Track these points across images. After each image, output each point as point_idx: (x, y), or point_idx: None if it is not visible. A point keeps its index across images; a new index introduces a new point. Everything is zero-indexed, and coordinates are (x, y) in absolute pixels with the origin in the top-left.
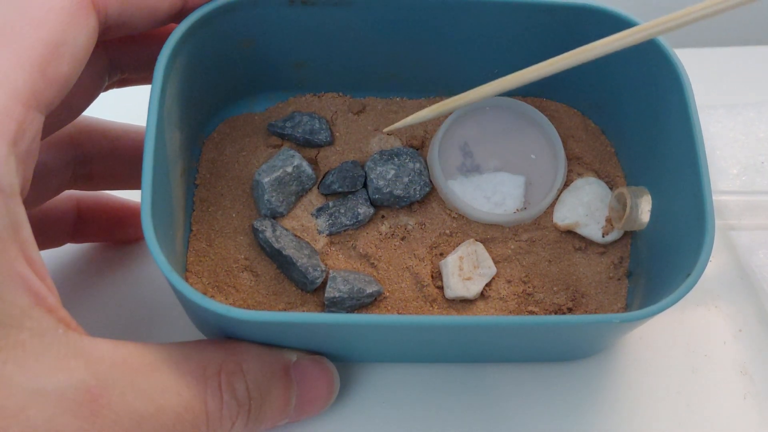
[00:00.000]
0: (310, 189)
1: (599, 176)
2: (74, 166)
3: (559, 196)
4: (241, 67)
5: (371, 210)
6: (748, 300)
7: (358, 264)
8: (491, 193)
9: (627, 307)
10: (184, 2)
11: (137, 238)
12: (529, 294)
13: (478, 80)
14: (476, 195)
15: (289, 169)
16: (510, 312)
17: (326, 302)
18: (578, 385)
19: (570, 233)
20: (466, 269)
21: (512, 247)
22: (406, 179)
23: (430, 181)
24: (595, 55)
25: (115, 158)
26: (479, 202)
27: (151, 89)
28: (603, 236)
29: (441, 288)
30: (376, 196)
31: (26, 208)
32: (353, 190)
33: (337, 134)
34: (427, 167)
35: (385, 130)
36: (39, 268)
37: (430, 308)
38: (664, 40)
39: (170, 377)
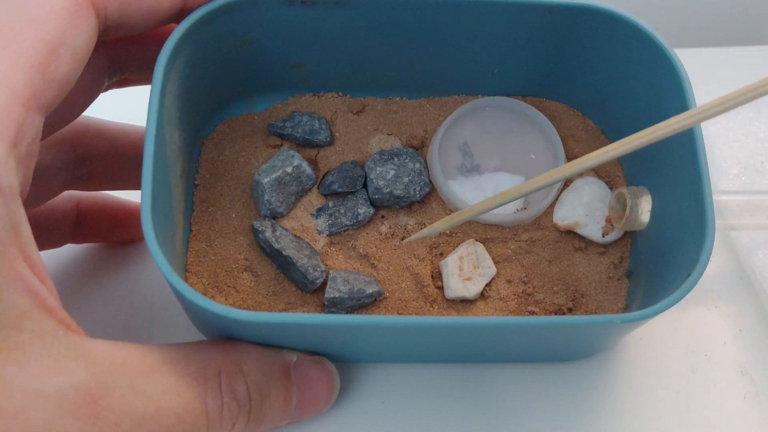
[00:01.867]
0: (309, 189)
1: (599, 176)
2: (74, 166)
3: (559, 196)
4: (241, 67)
5: (371, 210)
6: (748, 300)
7: (358, 264)
8: (491, 193)
9: (627, 307)
10: (183, 2)
11: (137, 239)
12: (529, 294)
13: (477, 80)
14: (476, 195)
15: (289, 170)
16: (510, 312)
17: (326, 302)
18: (578, 385)
19: (570, 233)
20: (466, 269)
21: (512, 247)
22: (406, 179)
23: (430, 181)
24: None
25: (115, 158)
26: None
27: (151, 89)
28: (603, 236)
29: (441, 288)
30: (376, 196)
31: (26, 209)
32: (353, 190)
33: (337, 134)
34: (426, 167)
35: (404, 242)
36: (39, 270)
37: (430, 308)
38: (663, 40)
39: (170, 378)
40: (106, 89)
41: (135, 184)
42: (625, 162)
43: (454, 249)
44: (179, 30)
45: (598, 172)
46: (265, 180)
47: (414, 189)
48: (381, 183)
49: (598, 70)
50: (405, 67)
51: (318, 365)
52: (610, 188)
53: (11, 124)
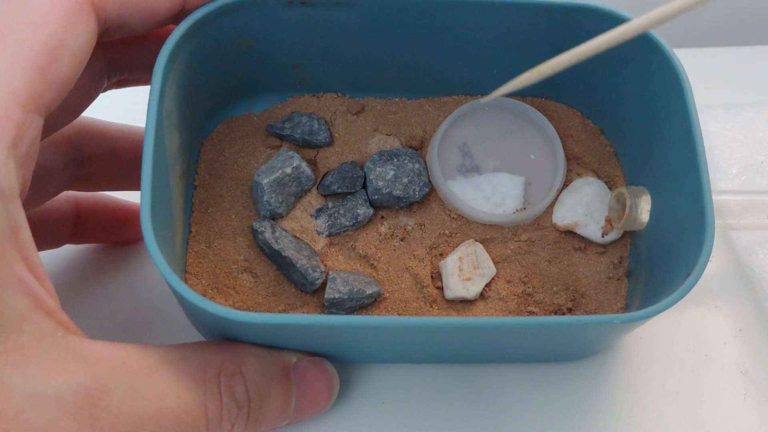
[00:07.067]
0: (309, 190)
1: (599, 176)
2: (73, 166)
3: (558, 196)
4: (240, 67)
5: (370, 211)
6: (748, 300)
7: (358, 265)
8: (491, 194)
9: (627, 307)
10: (183, 3)
11: (136, 240)
12: (528, 294)
13: (477, 80)
14: (476, 195)
15: (288, 170)
16: (510, 312)
17: (326, 303)
18: (578, 385)
19: (569, 233)
20: (466, 270)
21: (512, 247)
22: (405, 180)
23: (430, 182)
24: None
25: (114, 159)
26: (479, 203)
27: (150, 90)
28: (602, 236)
29: (441, 288)
30: (376, 196)
31: (25, 210)
32: (352, 190)
33: (336, 135)
34: (426, 168)
35: (483, 100)
36: (38, 271)
37: (430, 309)
38: (664, 40)
39: (170, 380)
40: (106, 90)
41: (134, 184)
42: (625, 162)
43: (453, 249)
44: (179, 31)
45: (598, 172)
46: (265, 181)
47: (413, 189)
48: (380, 183)
49: (597, 70)
50: (404, 67)
51: (317, 366)
52: (610, 188)
53: (11, 125)
